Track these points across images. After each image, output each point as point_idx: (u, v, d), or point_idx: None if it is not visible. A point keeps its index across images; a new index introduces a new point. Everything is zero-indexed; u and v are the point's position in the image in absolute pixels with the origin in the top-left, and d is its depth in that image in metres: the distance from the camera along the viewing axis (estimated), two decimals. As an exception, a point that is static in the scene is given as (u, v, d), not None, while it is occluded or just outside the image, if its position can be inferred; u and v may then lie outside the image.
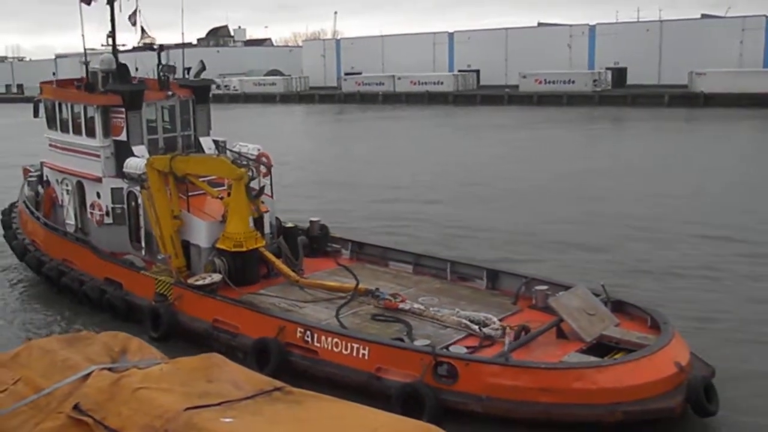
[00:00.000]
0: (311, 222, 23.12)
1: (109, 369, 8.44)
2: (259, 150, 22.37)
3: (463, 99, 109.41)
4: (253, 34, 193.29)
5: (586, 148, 57.51)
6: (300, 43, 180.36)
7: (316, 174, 46.88)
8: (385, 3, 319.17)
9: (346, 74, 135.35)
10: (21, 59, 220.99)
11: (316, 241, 22.64)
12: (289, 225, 22.44)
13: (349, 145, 64.86)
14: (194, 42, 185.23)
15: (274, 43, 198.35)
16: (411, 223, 31.26)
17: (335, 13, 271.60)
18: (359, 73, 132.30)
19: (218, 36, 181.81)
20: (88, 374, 8.24)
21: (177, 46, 26.03)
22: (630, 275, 22.98)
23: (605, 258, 25.24)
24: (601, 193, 36.96)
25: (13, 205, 28.69)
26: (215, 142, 23.51)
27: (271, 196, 22.11)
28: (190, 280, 19.28)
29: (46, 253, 23.78)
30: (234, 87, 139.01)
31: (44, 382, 8.33)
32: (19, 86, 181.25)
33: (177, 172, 19.96)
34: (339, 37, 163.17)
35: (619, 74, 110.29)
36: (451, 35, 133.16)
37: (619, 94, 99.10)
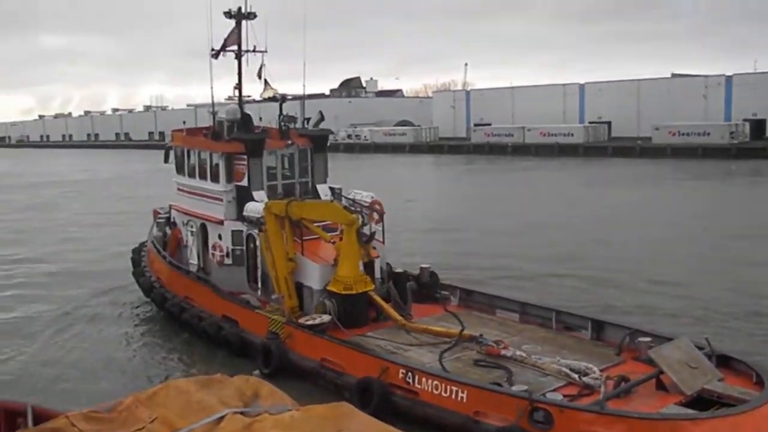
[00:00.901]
0: (421, 268, 23.79)
1: (242, 413, 9.10)
2: (372, 197, 23.64)
3: (594, 151, 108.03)
4: (384, 85, 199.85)
5: (729, 204, 55.23)
6: (430, 94, 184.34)
7: (436, 221, 47.70)
8: (515, 54, 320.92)
9: (476, 125, 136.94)
10: (163, 108, 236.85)
11: (425, 287, 23.25)
12: (399, 270, 23.30)
13: (476, 195, 65.34)
14: (327, 93, 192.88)
15: (405, 94, 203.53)
16: (539, 276, 31.20)
17: (465, 64, 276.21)
18: (488, 124, 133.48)
19: (350, 87, 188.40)
20: (222, 417, 8.92)
21: (296, 97, 27.69)
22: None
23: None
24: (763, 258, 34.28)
25: (143, 245, 31.09)
26: (331, 189, 24.88)
27: (383, 242, 23.10)
28: (301, 320, 20.34)
29: (170, 290, 25.67)
30: (365, 137, 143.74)
31: (180, 422, 9.02)
32: (161, 134, 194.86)
33: (292, 217, 21.18)
34: (469, 89, 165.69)
35: (758, 126, 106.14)
36: (582, 86, 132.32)
37: (758, 146, 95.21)
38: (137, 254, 30.47)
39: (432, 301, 22.91)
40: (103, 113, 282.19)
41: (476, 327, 19.96)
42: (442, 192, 70.84)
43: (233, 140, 24.41)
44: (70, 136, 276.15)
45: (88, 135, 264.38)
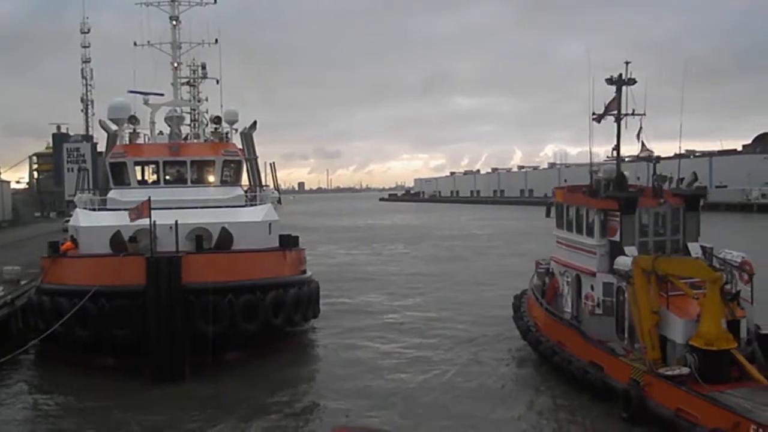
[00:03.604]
0: None
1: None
2: (743, 258, 24.33)
3: None
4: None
5: None
6: None
7: None
8: None
9: None
10: (567, 166, 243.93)
11: (799, 352, 23.11)
12: (765, 332, 23.47)
13: None
14: (739, 148, 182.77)
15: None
16: None
17: None
18: None
19: (765, 142, 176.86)
20: None
21: (675, 156, 29.33)
22: None
23: None
24: None
25: (524, 292, 34.87)
26: (702, 247, 26.14)
27: (751, 302, 23.64)
28: (661, 370, 21.96)
29: (545, 334, 28.87)
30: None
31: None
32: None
33: (659, 272, 22.96)
34: None
35: None
36: None
37: None
38: (518, 300, 34.32)
39: None
40: (508, 170, 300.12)
41: None
42: None
43: (609, 198, 26.98)
44: (478, 191, 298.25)
45: (494, 191, 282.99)
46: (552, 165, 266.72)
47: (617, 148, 27.98)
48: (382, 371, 28.87)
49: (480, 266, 63.41)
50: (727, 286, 23.27)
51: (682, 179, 27.74)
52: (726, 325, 21.90)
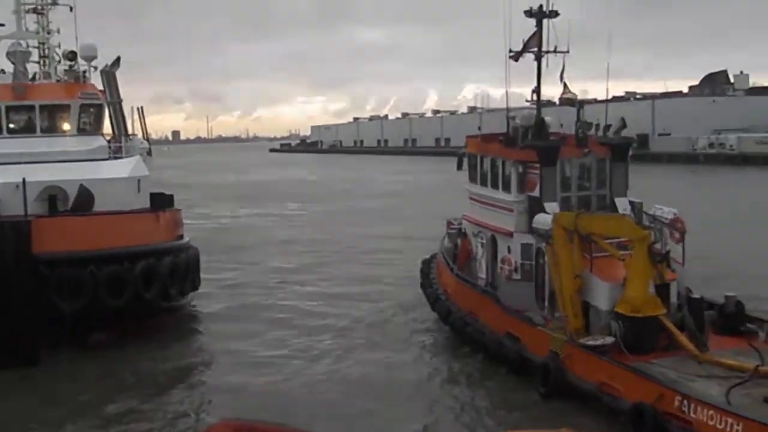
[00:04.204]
0: (726, 297, 25.19)
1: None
2: (675, 214, 25.79)
3: None
4: (757, 81, 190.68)
5: None
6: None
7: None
8: None
9: None
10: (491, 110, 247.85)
11: (729, 319, 24.68)
12: (697, 297, 25.03)
13: None
14: (685, 90, 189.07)
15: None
16: None
17: None
18: None
19: (714, 83, 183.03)
20: None
21: (598, 101, 30.44)
22: None
23: None
24: None
25: (433, 256, 36.03)
26: (631, 203, 27.55)
27: (682, 264, 25.21)
28: (583, 341, 23.21)
29: (456, 303, 29.98)
30: (731, 145, 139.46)
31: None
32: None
33: (581, 231, 24.05)
34: None
35: None
36: None
37: None
38: (426, 265, 35.41)
39: (735, 335, 24.29)
40: (421, 116, 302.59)
41: (782, 364, 21.25)
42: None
43: (527, 147, 28.06)
44: (386, 141, 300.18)
45: (405, 140, 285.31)
46: (472, 109, 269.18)
47: (537, 90, 28.96)
48: (271, 358, 28.99)
49: (387, 229, 64.49)
50: (657, 246, 24.69)
51: (609, 126, 28.88)
52: (654, 290, 23.10)
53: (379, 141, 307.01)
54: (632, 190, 28.60)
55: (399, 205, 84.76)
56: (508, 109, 30.17)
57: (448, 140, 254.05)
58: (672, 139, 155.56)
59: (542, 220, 25.77)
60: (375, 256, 51.39)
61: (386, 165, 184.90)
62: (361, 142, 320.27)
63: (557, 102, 30.66)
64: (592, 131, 28.51)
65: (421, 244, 45.71)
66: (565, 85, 28.64)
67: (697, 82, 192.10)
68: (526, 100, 29.56)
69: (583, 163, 27.91)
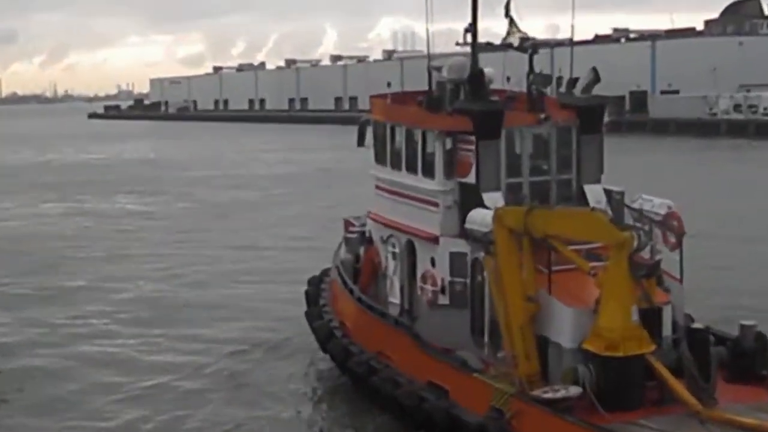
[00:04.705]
0: (742, 327, 25.38)
1: None
2: (669, 208, 25.90)
3: None
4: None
5: None
6: None
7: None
8: None
9: None
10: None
11: (746, 358, 24.88)
12: (700, 327, 25.03)
13: None
14: (699, 27, 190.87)
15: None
16: None
17: None
18: None
19: (741, 16, 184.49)
20: None
21: (574, 43, 30.07)
22: None
23: None
24: None
25: (325, 273, 35.72)
26: (607, 191, 27.63)
27: (680, 280, 25.50)
28: (537, 392, 23.37)
29: (357, 341, 29.73)
30: (765, 108, 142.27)
31: None
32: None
33: (534, 232, 24.02)
34: None
35: None
36: None
37: None
38: (316, 286, 35.18)
39: (754, 381, 24.57)
40: (315, 64, 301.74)
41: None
42: None
43: (457, 112, 28.01)
44: (262, 101, 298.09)
45: (291, 101, 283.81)
46: (389, 55, 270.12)
47: (473, 28, 28.92)
48: (91, 410, 29.35)
49: (262, 235, 64.34)
50: (643, 255, 24.84)
51: (576, 80, 29.10)
52: (639, 317, 23.14)
53: (252, 102, 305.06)
54: (611, 174, 28.70)
55: (282, 200, 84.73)
56: (429, 57, 30.22)
57: (354, 101, 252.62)
58: (680, 99, 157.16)
59: (479, 219, 25.68)
60: (243, 274, 51.21)
61: (261, 137, 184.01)
62: (226, 103, 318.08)
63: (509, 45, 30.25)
64: (551, 88, 28.61)
65: (311, 255, 45.57)
66: (511, 21, 28.70)
67: (716, 15, 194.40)
68: (457, 43, 29.52)
69: (538, 134, 27.98)
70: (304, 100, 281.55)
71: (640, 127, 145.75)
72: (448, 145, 27.90)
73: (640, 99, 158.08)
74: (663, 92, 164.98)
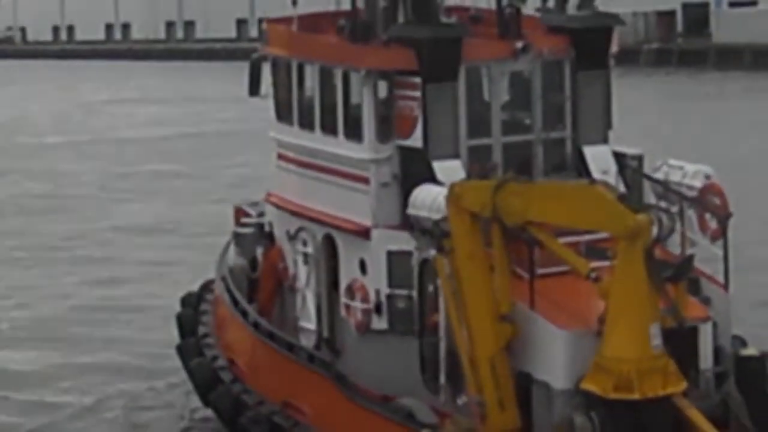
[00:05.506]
0: None
1: None
2: (707, 177, 26.43)
3: None
4: None
5: None
6: None
7: None
8: None
9: None
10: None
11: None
12: (754, 353, 25.82)
13: None
14: None
15: None
16: None
17: None
18: None
19: None
20: None
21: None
22: None
23: None
24: None
25: (205, 287, 36.07)
26: (618, 155, 28.13)
27: (724, 286, 26.10)
28: (514, 456, 23.99)
29: (253, 387, 30.22)
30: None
31: None
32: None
33: (508, 218, 24.44)
34: None
35: None
36: None
37: None
38: (192, 308, 35.56)
39: None
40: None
41: None
42: None
43: (394, 42, 28.52)
44: (125, 28, 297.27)
45: (170, 26, 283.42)
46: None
47: None
48: None
49: (108, 237, 65.23)
50: (666, 249, 25.33)
51: None
52: (663, 341, 23.31)
53: (110, 28, 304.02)
54: (623, 130, 29.23)
55: (157, 184, 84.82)
56: None
57: (260, 23, 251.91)
58: (761, 14, 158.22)
59: (428, 201, 25.93)
60: (96, 299, 51.44)
61: (126, 82, 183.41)
62: (70, 30, 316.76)
63: None
64: (531, 4, 28.94)
65: (196, 258, 46.01)
66: None
67: None
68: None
69: (515, 72, 28.46)
70: (189, 25, 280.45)
71: (698, 57, 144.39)
72: (383, 92, 28.00)
73: (698, 16, 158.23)
74: (732, 4, 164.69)
